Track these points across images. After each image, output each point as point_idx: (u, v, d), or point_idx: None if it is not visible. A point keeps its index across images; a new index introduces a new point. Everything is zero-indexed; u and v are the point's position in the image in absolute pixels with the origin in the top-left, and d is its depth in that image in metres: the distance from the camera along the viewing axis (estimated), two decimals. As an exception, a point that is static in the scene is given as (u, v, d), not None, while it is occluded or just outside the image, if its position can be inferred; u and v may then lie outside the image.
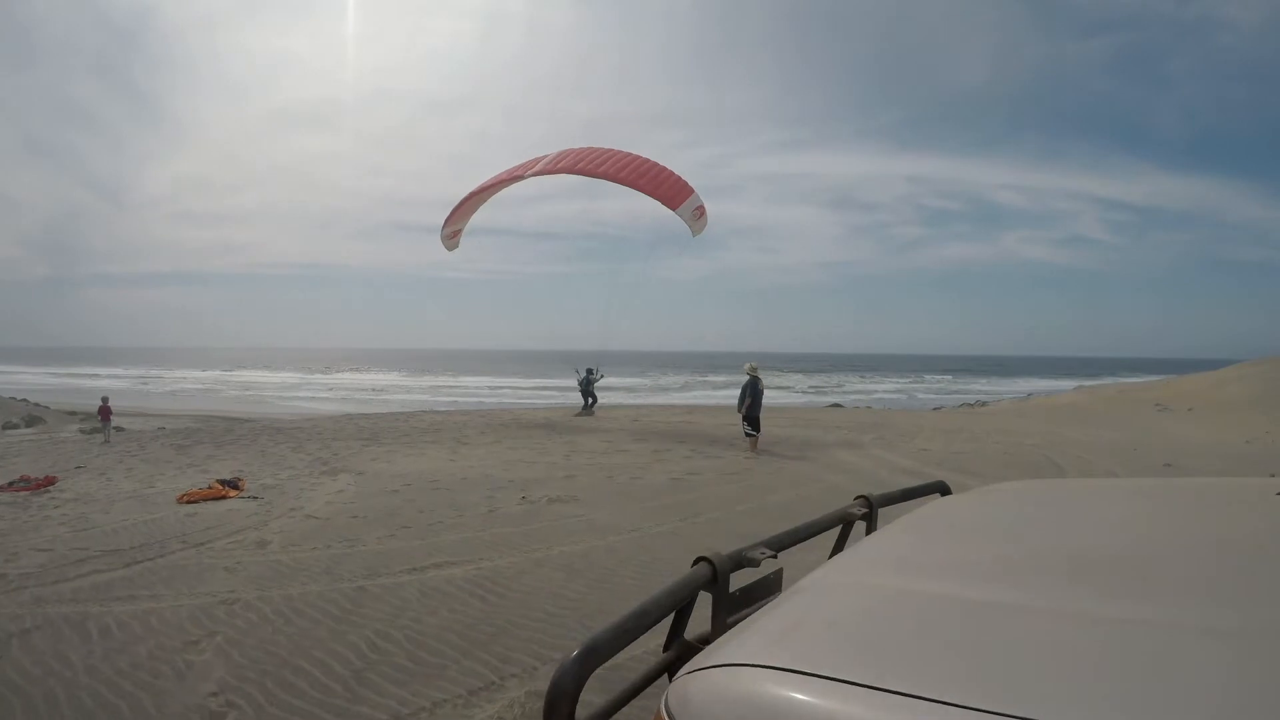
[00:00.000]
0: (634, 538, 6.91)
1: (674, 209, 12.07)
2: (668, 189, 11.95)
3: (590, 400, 19.51)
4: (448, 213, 14.96)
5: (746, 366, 13.74)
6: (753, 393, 13.43)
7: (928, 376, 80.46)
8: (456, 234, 14.88)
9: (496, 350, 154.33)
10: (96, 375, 69.70)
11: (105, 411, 19.35)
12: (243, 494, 10.09)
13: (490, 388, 59.55)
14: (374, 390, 55.92)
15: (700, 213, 12.69)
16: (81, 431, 20.52)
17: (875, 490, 1.93)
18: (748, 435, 13.50)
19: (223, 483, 10.60)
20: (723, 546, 1.34)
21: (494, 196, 14.78)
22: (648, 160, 12.28)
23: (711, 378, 74.02)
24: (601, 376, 19.93)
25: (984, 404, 39.56)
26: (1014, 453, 13.79)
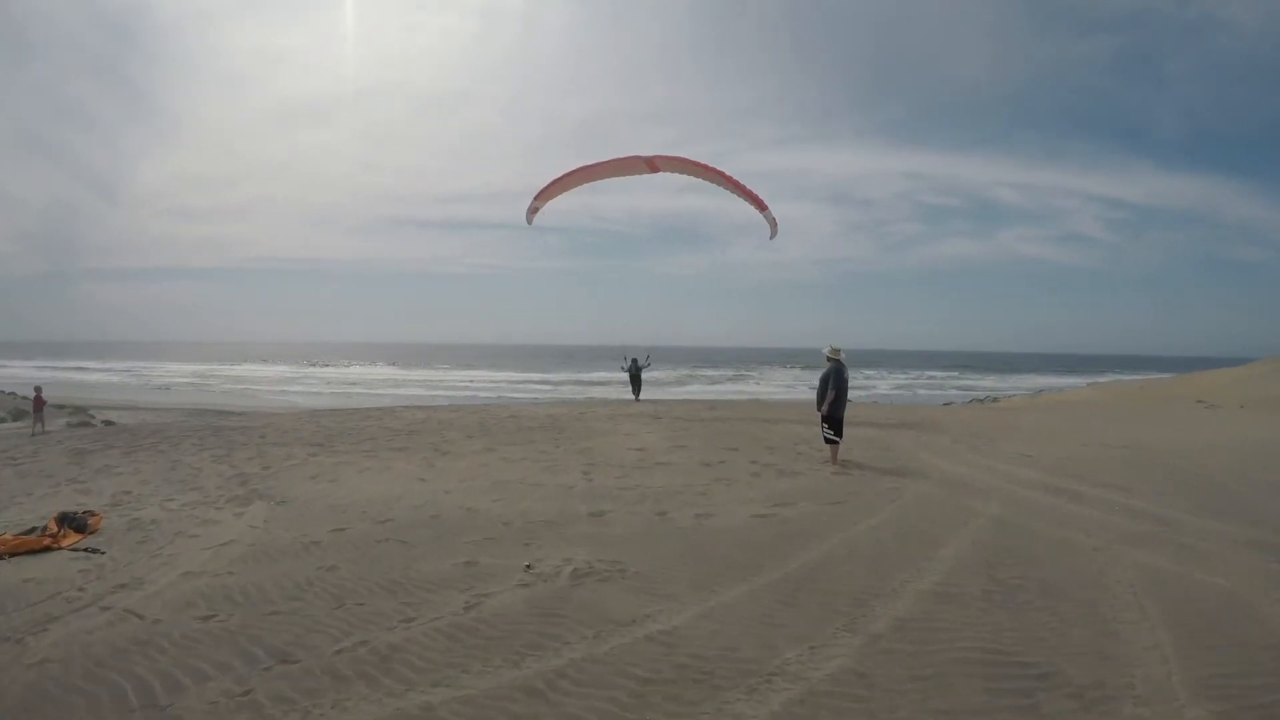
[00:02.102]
0: (796, 699, 2.93)
1: (762, 211, 13.45)
2: (757, 198, 13.41)
3: (636, 388, 18.51)
4: (541, 186, 14.38)
5: (827, 349, 9.81)
6: (836, 384, 9.54)
7: (930, 373, 77.19)
8: (536, 210, 14.22)
9: (495, 345, 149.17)
10: (91, 369, 65.19)
11: (38, 402, 16.19)
12: (81, 543, 6.09)
13: (488, 383, 55.77)
14: (365, 383, 51.84)
15: (774, 222, 13.85)
16: (69, 425, 18.26)
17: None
18: (828, 441, 9.62)
19: (63, 520, 6.59)
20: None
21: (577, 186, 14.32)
22: (731, 176, 13.60)
23: (707, 372, 70.16)
24: (649, 365, 18.58)
25: (995, 400, 36.57)
26: (1131, 461, 10.09)
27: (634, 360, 18.24)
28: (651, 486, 7.69)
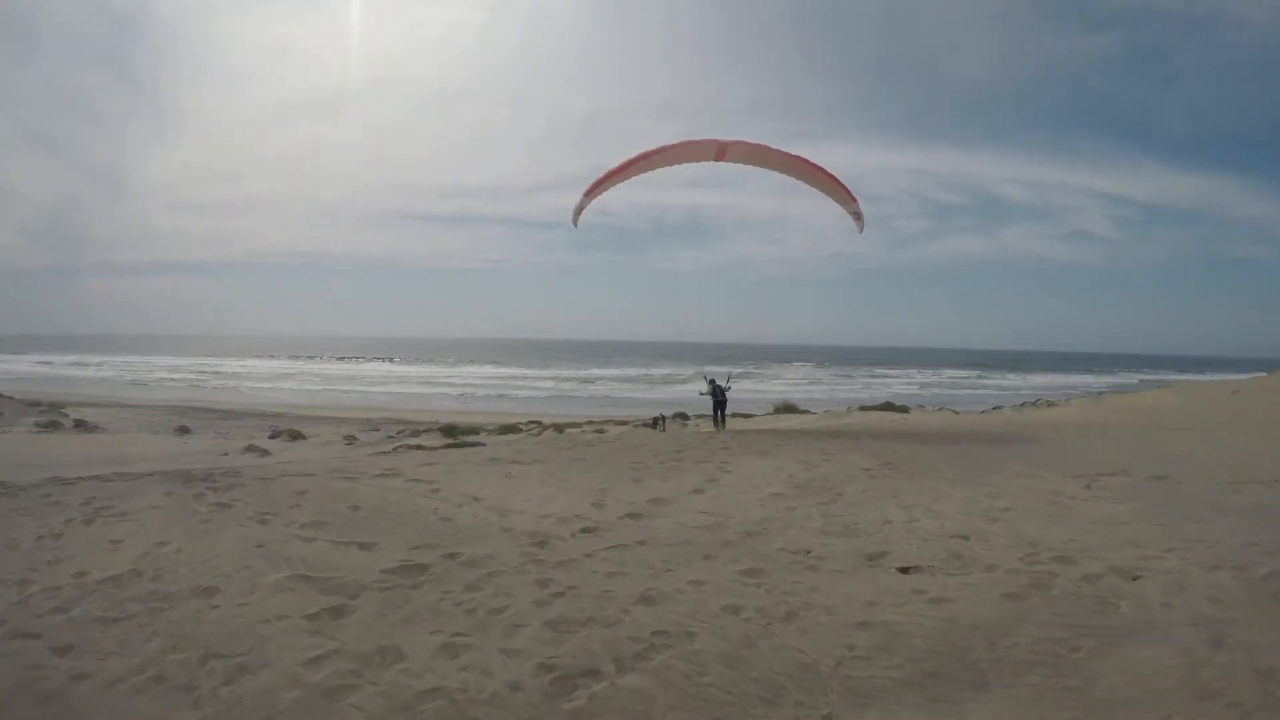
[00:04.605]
0: None
1: (849, 206, 12.28)
2: (846, 190, 12.15)
3: (720, 414, 15.21)
4: (589, 184, 12.69)
5: None
6: None
7: (948, 371, 68.77)
8: (581, 210, 12.46)
9: (499, 340, 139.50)
10: (88, 364, 60.53)
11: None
12: None
13: (489, 379, 48.53)
14: (362, 380, 45.62)
15: (860, 215, 12.55)
16: (37, 425, 16.94)
17: None
18: None
19: None
20: None
21: (629, 178, 12.45)
22: (814, 163, 12.30)
23: (712, 369, 61.04)
24: (730, 388, 15.03)
25: (1051, 404, 29.30)
26: None
27: (713, 381, 15.35)
28: None
